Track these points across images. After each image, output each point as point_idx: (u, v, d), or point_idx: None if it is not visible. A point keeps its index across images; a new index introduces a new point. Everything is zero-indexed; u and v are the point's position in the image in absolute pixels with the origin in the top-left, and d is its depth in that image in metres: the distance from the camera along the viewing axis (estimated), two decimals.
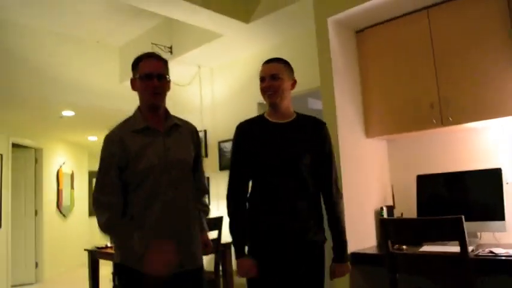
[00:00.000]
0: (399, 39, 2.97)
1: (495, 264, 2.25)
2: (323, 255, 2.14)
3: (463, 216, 2.09)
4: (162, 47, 4.45)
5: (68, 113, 6.17)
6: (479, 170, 2.76)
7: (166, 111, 2.13)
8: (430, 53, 2.80)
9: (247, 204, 2.16)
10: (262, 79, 2.14)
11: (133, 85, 2.08)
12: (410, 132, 2.93)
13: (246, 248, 2.13)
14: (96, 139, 8.67)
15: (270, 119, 2.17)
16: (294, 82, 2.18)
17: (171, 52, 4.55)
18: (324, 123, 2.20)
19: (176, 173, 2.02)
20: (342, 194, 2.21)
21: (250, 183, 2.18)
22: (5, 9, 4.33)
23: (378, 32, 3.08)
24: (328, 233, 2.17)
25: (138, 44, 5.22)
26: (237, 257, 2.10)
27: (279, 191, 2.06)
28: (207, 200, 2.34)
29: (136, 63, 2.05)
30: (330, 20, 2.99)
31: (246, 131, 2.18)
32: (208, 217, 2.32)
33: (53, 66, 4.84)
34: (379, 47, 3.07)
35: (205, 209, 2.29)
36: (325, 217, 2.19)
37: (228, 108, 4.80)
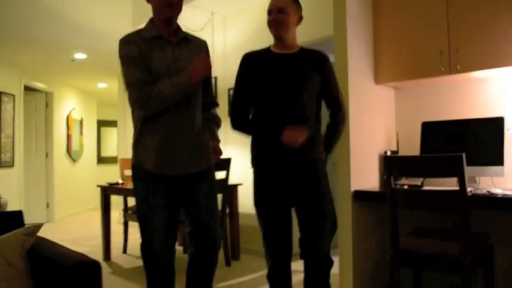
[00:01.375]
0: None
1: (491, 201, 2.39)
2: (325, 173, 2.29)
3: (463, 154, 2.22)
4: None
5: (80, 55, 6.24)
6: (483, 118, 2.86)
7: (178, 26, 2.22)
8: (444, 2, 2.84)
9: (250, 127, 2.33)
10: (269, 12, 2.26)
11: None
12: (418, 79, 3.01)
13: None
14: (105, 86, 8.76)
15: (274, 50, 2.30)
16: (300, 18, 2.30)
17: None
18: (327, 56, 2.33)
19: None
20: (346, 116, 2.43)
21: (253, 110, 2.32)
22: None
23: None
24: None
25: None
26: (274, 134, 2.15)
27: (281, 117, 2.19)
28: (216, 112, 2.45)
29: None
30: None
31: (251, 60, 2.32)
32: (219, 127, 2.46)
33: (67, 7, 4.87)
34: None
35: (216, 119, 2.43)
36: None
37: (239, 56, 4.80)
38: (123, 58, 2.11)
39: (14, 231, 2.02)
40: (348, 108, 2.90)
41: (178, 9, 2.16)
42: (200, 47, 2.29)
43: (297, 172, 2.22)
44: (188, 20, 4.39)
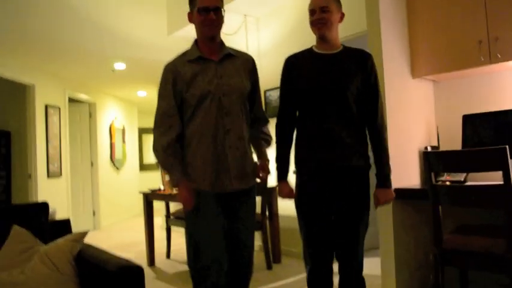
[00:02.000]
0: None
1: None
2: (368, 180, 2.24)
3: (507, 146, 2.13)
4: None
5: (119, 65, 6.42)
6: None
7: (222, 43, 2.26)
8: None
9: (295, 132, 2.31)
10: (312, 12, 2.22)
11: (190, 18, 2.23)
12: (457, 70, 2.92)
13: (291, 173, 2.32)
14: (145, 94, 8.98)
15: (317, 51, 2.27)
16: (342, 15, 2.26)
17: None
18: (370, 55, 2.27)
19: (228, 100, 2.16)
20: (386, 126, 2.30)
21: (299, 114, 2.30)
22: None
23: None
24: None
25: None
26: (278, 180, 2.32)
27: (326, 118, 2.16)
28: (268, 129, 2.42)
29: None
30: None
31: (294, 63, 2.30)
32: (268, 146, 2.42)
33: (106, 18, 5.02)
34: None
35: (265, 137, 2.40)
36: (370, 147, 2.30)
37: (273, 57, 4.88)
38: (160, 85, 2.22)
39: (62, 238, 2.11)
40: (385, 105, 2.85)
41: (219, 27, 2.20)
42: (246, 62, 2.31)
43: (341, 180, 2.19)
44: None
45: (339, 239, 2.23)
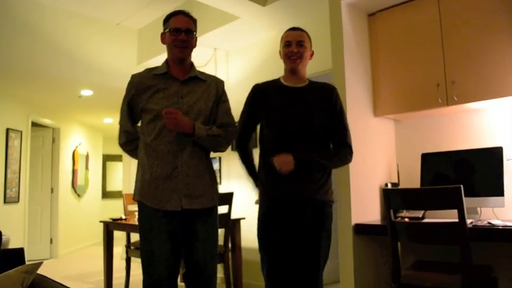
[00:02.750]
0: (409, 23, 3.07)
1: (491, 233, 2.37)
2: (330, 215, 2.28)
3: (461, 186, 2.22)
4: None
5: (86, 92, 6.35)
6: (481, 149, 2.87)
7: (192, 66, 2.31)
8: (439, 35, 2.90)
9: (259, 159, 2.36)
10: (288, 44, 2.28)
11: (163, 39, 2.29)
12: (416, 111, 3.05)
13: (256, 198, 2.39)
14: (111, 121, 8.86)
15: (285, 83, 2.33)
16: (313, 53, 2.36)
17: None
18: (334, 87, 2.37)
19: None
20: (352, 153, 2.37)
21: (262, 143, 2.35)
22: None
23: (389, 15, 3.19)
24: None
25: (156, 26, 5.34)
26: (255, 182, 2.38)
27: (292, 150, 2.18)
28: (231, 133, 2.30)
29: (168, 19, 2.26)
30: (344, 3, 3.10)
31: (261, 91, 2.35)
32: (229, 137, 2.31)
33: (74, 46, 5.01)
34: (389, 30, 3.18)
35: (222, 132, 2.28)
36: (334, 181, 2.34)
37: (241, 90, 4.85)
38: (124, 97, 2.30)
39: (13, 269, 2.01)
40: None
41: (189, 48, 2.25)
42: (212, 86, 2.30)
43: (305, 214, 2.21)
44: (193, 57, 4.49)
45: (298, 269, 2.22)
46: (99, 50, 5.30)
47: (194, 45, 2.27)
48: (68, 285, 2.02)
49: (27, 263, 2.20)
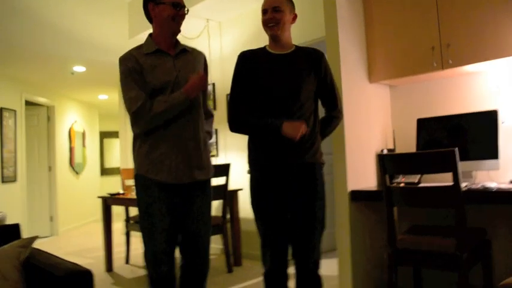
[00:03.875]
0: None
1: (485, 196, 2.36)
2: (322, 178, 2.27)
3: (456, 149, 2.21)
4: None
5: (79, 68, 6.29)
6: (477, 112, 2.84)
7: (177, 40, 2.31)
8: None
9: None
10: (264, 11, 2.24)
11: (153, 11, 2.20)
12: (411, 75, 3.01)
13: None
14: (106, 97, 8.81)
15: (271, 50, 2.29)
16: (295, 16, 2.29)
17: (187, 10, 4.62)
18: (322, 53, 2.32)
19: None
20: (342, 114, 2.39)
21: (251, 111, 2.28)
22: None
23: None
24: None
25: None
26: (279, 125, 2.10)
27: (279, 116, 2.16)
28: (211, 123, 2.46)
29: None
30: None
31: (248, 59, 2.30)
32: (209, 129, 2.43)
33: (64, 21, 4.91)
34: None
35: (208, 131, 2.41)
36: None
37: (235, 62, 4.88)
38: (122, 74, 2.17)
39: (9, 244, 2.03)
40: (343, 108, 2.90)
41: (181, 23, 2.25)
42: (199, 58, 2.35)
43: (295, 177, 2.20)
44: (184, 28, 4.41)
45: (295, 237, 2.23)
46: (89, 25, 5.20)
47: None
48: (67, 260, 2.04)
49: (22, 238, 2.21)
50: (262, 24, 2.26)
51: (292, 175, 2.20)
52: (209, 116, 2.44)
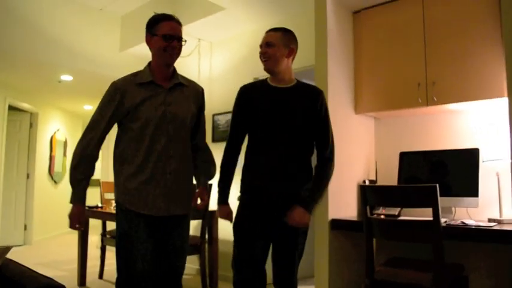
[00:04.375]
0: (393, 22, 3.09)
1: (464, 232, 2.41)
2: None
3: (437, 185, 2.25)
4: None
5: (66, 77, 6.24)
6: (458, 149, 2.91)
7: (174, 71, 2.29)
8: (422, 36, 2.93)
9: (244, 158, 2.36)
10: (260, 47, 2.31)
11: (149, 41, 2.23)
12: (397, 109, 3.07)
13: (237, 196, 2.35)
14: (91, 108, 8.74)
15: (271, 83, 2.33)
16: (291, 50, 2.32)
17: (185, 41, 4.65)
18: (321, 91, 2.36)
19: (173, 128, 2.18)
20: (333, 162, 2.35)
21: (248, 143, 2.36)
22: None
23: (374, 13, 3.20)
24: None
25: (140, 13, 5.30)
26: (219, 203, 2.37)
27: (274, 150, 2.22)
28: (208, 157, 2.43)
29: (157, 22, 2.20)
30: None
31: (249, 92, 2.36)
32: (210, 176, 2.42)
33: (56, 29, 4.91)
34: (373, 28, 3.20)
35: (205, 166, 2.39)
36: None
37: (224, 82, 4.92)
38: (104, 98, 2.20)
39: None
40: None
41: (178, 55, 2.23)
42: (196, 92, 2.35)
43: (280, 207, 2.22)
44: None
45: (276, 264, 2.25)
46: (80, 35, 5.20)
47: (181, 51, 2.26)
48: (39, 272, 1.99)
49: None
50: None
51: (278, 204, 2.22)
52: (204, 151, 2.42)
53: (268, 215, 2.23)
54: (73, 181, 2.24)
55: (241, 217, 2.29)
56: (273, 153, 2.23)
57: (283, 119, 2.23)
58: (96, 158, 2.22)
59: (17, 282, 1.80)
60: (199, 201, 2.29)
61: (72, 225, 2.24)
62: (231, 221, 2.33)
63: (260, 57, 2.31)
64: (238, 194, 2.36)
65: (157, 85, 2.20)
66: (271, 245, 2.31)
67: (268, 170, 2.22)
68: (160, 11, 4.64)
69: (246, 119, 2.31)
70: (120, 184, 2.20)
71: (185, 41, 2.25)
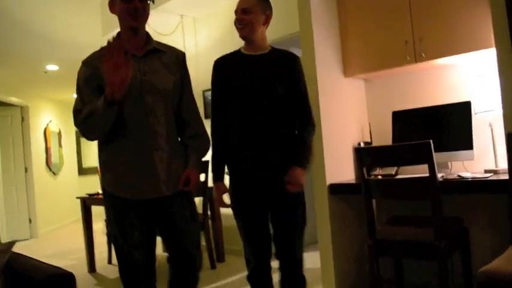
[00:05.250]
0: None
1: (461, 185, 2.44)
2: None
3: (431, 141, 2.26)
4: None
5: (52, 67, 6.19)
6: (451, 104, 2.91)
7: (148, 36, 2.09)
8: None
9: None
10: (235, 13, 2.25)
11: (112, 8, 2.03)
12: (385, 69, 3.05)
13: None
14: None
15: (245, 52, 2.29)
16: (267, 16, 2.27)
17: (152, 1, 4.55)
18: (297, 56, 2.32)
19: (151, 100, 1.98)
20: (315, 126, 2.31)
21: (230, 116, 2.29)
22: None
23: None
24: None
25: None
26: (214, 181, 2.31)
27: (257, 121, 2.19)
28: (199, 130, 2.18)
29: None
30: None
31: (222, 64, 2.31)
32: (202, 152, 2.18)
33: (36, 20, 4.82)
34: None
35: (194, 143, 2.15)
36: None
37: (211, 57, 4.74)
38: (78, 80, 2.03)
39: None
40: (319, 103, 2.93)
41: (144, 17, 2.02)
42: (175, 58, 2.13)
43: (274, 175, 2.19)
44: (158, 24, 4.38)
45: (277, 237, 2.26)
46: (61, 23, 5.11)
47: (148, 13, 2.04)
48: (48, 263, 2.02)
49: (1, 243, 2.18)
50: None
51: (270, 174, 2.20)
52: (193, 125, 2.17)
53: (263, 186, 2.22)
54: (86, 111, 1.94)
55: (238, 196, 2.28)
56: (256, 121, 2.18)
57: (262, 86, 2.20)
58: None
59: (25, 274, 1.83)
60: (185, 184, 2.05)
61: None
62: (225, 205, 2.30)
63: (235, 24, 2.24)
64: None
65: (129, 54, 1.90)
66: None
67: (254, 139, 2.19)
68: None
69: (224, 91, 2.26)
70: (101, 166, 2.05)
71: (151, 0, 2.03)
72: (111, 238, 2.10)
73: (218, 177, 2.31)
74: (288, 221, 2.22)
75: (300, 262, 2.28)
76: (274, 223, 2.26)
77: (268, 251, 2.29)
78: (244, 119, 2.21)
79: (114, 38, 1.94)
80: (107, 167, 2.05)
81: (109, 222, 2.10)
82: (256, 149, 2.20)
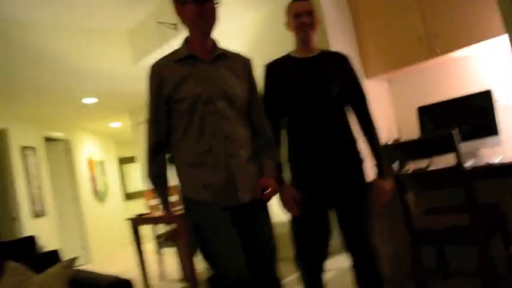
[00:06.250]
0: None
1: (490, 171, 2.50)
2: (363, 175, 2.32)
3: (455, 130, 2.32)
4: (168, 25, 4.68)
5: (90, 100, 6.52)
6: (472, 94, 2.98)
7: (215, 43, 2.05)
8: None
9: (287, 140, 2.31)
10: (298, 15, 2.24)
11: (181, 11, 1.98)
12: (404, 67, 3.16)
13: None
14: (120, 125, 9.04)
15: (297, 56, 2.32)
16: (318, 21, 2.32)
17: (175, 28, 4.76)
18: (347, 56, 2.37)
19: (223, 104, 1.94)
20: (373, 117, 2.38)
21: (286, 121, 2.31)
22: (13, 8, 4.54)
23: None
24: None
25: (144, 25, 5.44)
26: (277, 184, 2.10)
27: (315, 124, 2.22)
28: (268, 139, 2.13)
29: None
30: None
31: (275, 69, 2.31)
32: (276, 160, 2.16)
33: (70, 57, 5.12)
34: None
35: (266, 150, 2.10)
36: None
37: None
38: (148, 88, 2.02)
39: (54, 266, 2.22)
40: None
41: (215, 20, 1.97)
42: (242, 65, 2.09)
43: (337, 173, 2.22)
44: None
45: (345, 229, 2.25)
46: (94, 57, 5.41)
47: (218, 16, 1.99)
48: None
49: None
50: (294, 28, 2.26)
51: (331, 171, 2.21)
52: (263, 132, 2.13)
53: (327, 189, 2.21)
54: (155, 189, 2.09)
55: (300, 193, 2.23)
56: (316, 129, 2.20)
57: (321, 89, 2.22)
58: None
59: (90, 283, 2.02)
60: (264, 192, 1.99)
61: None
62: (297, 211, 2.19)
63: (300, 27, 2.23)
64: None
65: (197, 59, 1.95)
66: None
67: (317, 145, 2.19)
68: (162, 20, 4.77)
69: (280, 95, 2.24)
70: (181, 177, 2.01)
71: (218, 2, 1.95)
72: (201, 244, 1.95)
73: (281, 180, 2.21)
74: (358, 212, 2.24)
75: (372, 253, 2.24)
76: (340, 216, 2.25)
77: (326, 251, 2.29)
78: (307, 122, 2.22)
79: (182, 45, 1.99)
80: (186, 176, 2.00)
81: (195, 228, 1.98)
82: (320, 149, 2.20)
